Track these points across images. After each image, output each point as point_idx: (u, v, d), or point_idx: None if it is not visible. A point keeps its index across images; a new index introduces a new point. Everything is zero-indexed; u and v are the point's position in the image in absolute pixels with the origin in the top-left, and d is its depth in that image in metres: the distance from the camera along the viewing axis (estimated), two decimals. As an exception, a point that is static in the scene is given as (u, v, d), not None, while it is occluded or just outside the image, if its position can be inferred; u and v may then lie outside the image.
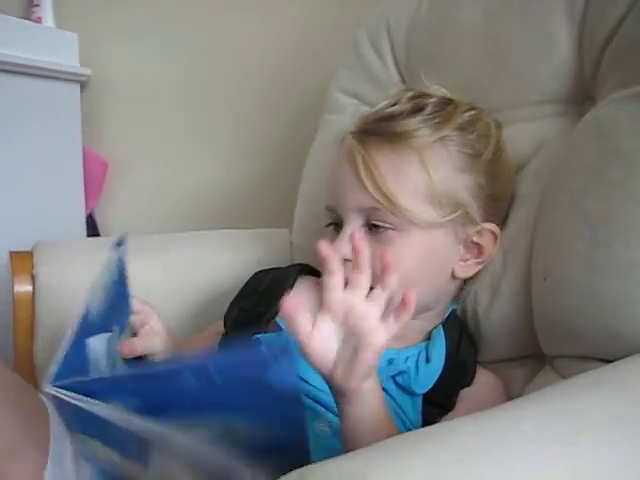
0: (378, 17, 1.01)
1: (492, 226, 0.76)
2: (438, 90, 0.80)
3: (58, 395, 0.49)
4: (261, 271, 0.89)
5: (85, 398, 0.49)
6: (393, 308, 0.73)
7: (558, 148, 0.76)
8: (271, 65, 1.36)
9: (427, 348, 0.76)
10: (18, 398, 0.67)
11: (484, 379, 0.75)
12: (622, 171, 0.64)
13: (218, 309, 0.89)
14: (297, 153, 1.19)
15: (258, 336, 0.77)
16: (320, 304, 0.83)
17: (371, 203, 0.73)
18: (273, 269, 0.89)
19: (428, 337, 0.78)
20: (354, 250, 0.58)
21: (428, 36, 0.92)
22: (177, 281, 1.01)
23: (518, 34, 0.80)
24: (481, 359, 0.78)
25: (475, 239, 0.76)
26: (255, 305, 0.82)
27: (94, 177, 1.53)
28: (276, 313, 0.80)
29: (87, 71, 1.50)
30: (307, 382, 0.71)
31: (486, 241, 0.77)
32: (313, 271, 0.88)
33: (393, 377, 0.72)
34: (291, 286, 0.83)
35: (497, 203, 0.78)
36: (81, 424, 0.50)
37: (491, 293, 0.78)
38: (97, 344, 0.58)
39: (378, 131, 0.74)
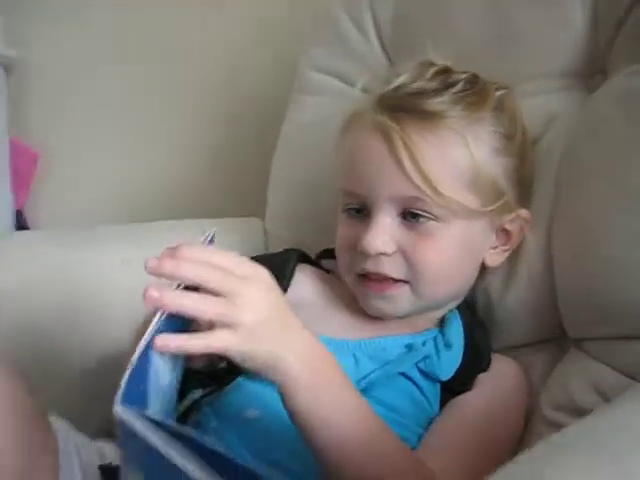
0: (357, -11, 0.95)
1: (526, 213, 0.72)
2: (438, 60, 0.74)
3: (124, 419, 0.40)
4: (254, 257, 0.81)
5: (154, 429, 0.40)
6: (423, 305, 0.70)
7: (574, 122, 0.72)
8: (231, 40, 1.25)
9: (442, 333, 0.71)
10: (30, 417, 0.59)
11: (504, 366, 0.71)
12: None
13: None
14: (259, 136, 1.12)
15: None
16: (324, 295, 0.77)
17: (414, 192, 0.66)
18: (264, 255, 0.81)
19: (440, 322, 0.73)
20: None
21: (421, 7, 0.87)
22: (141, 276, 0.91)
23: (529, 5, 0.76)
24: (496, 345, 0.74)
25: (507, 226, 0.72)
26: None
27: (23, 171, 1.39)
28: None
29: (12, 53, 1.37)
30: None
31: (515, 227, 0.72)
32: (307, 258, 0.82)
33: (416, 364, 0.67)
34: (291, 274, 0.76)
35: (525, 186, 0.73)
36: (140, 459, 0.41)
37: (505, 276, 0.74)
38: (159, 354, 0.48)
39: (408, 108, 0.67)
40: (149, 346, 0.45)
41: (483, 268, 0.74)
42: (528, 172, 0.73)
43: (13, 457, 0.55)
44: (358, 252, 0.69)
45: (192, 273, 0.48)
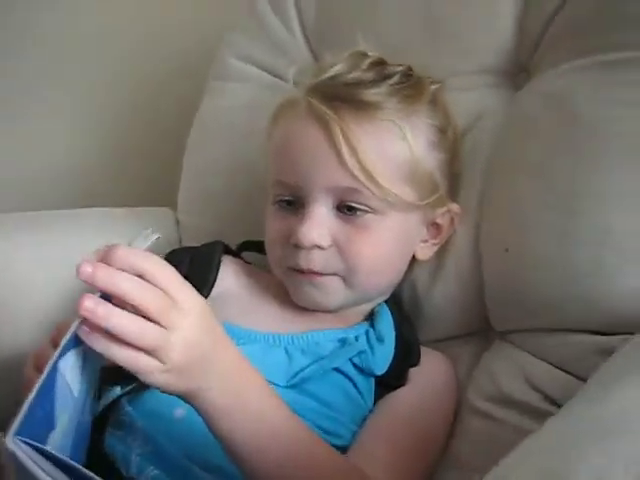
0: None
1: (456, 207, 0.73)
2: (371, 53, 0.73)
3: (18, 454, 0.36)
4: (174, 250, 0.78)
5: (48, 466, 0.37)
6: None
7: (501, 118, 0.74)
8: (149, 21, 1.19)
9: (373, 327, 0.71)
10: None
11: (433, 361, 0.72)
12: (587, 139, 0.63)
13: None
14: (169, 122, 1.07)
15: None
16: (251, 288, 0.75)
17: (350, 183, 0.65)
18: (188, 248, 0.77)
19: (369, 316, 0.73)
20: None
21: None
22: (48, 268, 0.85)
23: (457, 1, 0.77)
24: (422, 339, 0.74)
25: (438, 220, 0.72)
26: None
27: None
28: (207, 296, 0.69)
29: None
30: None
31: (445, 221, 0.73)
32: (229, 250, 0.79)
33: (351, 359, 0.66)
34: (217, 268, 0.73)
35: (455, 181, 0.74)
36: None
37: (432, 269, 0.75)
38: (68, 361, 0.43)
39: (345, 97, 0.65)
40: (60, 355, 0.42)
41: (412, 261, 0.74)
42: (457, 167, 0.74)
43: None
44: (291, 245, 0.68)
45: (128, 291, 0.43)
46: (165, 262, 0.48)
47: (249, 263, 0.81)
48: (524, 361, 0.66)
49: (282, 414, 0.53)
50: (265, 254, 0.79)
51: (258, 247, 0.80)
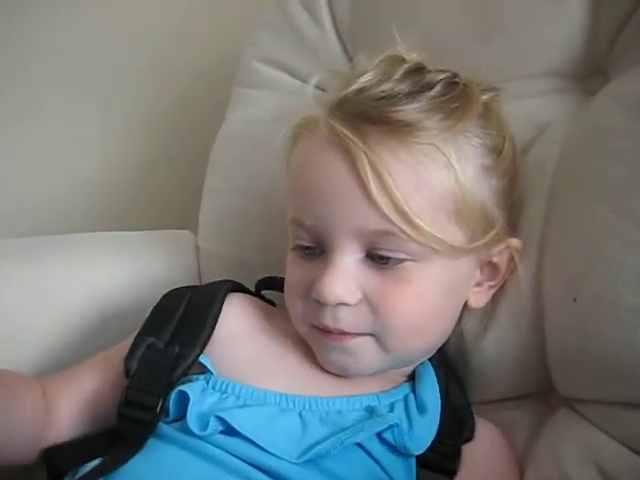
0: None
1: (516, 242, 0.59)
2: (408, 54, 0.59)
3: None
4: (173, 291, 0.64)
5: None
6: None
7: (570, 131, 0.61)
8: (167, 37, 1.09)
9: (414, 391, 0.58)
10: None
11: (488, 434, 0.59)
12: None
13: (107, 336, 0.67)
14: (188, 137, 1.01)
15: (182, 388, 0.54)
16: (266, 335, 0.63)
17: (383, 226, 0.52)
18: (189, 288, 0.65)
19: (411, 376, 0.60)
20: None
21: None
22: (45, 302, 0.76)
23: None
24: (470, 399, 0.61)
25: (494, 259, 0.59)
26: (170, 344, 0.58)
27: None
28: (199, 354, 0.57)
29: None
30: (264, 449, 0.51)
31: (503, 259, 0.59)
32: (242, 288, 0.67)
33: (379, 434, 0.54)
34: (217, 313, 0.60)
35: (515, 210, 0.60)
36: None
37: (483, 319, 0.61)
38: None
39: (374, 117, 0.52)
40: None
41: (462, 309, 0.61)
42: (518, 193, 0.61)
43: None
44: (313, 299, 0.55)
45: None
46: None
47: (272, 303, 0.69)
48: (596, 441, 0.52)
49: None
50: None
51: (281, 285, 0.69)
